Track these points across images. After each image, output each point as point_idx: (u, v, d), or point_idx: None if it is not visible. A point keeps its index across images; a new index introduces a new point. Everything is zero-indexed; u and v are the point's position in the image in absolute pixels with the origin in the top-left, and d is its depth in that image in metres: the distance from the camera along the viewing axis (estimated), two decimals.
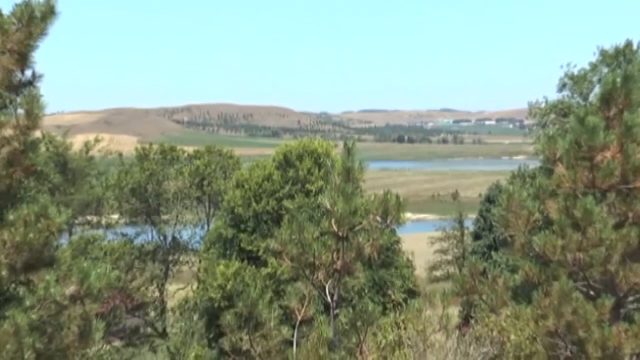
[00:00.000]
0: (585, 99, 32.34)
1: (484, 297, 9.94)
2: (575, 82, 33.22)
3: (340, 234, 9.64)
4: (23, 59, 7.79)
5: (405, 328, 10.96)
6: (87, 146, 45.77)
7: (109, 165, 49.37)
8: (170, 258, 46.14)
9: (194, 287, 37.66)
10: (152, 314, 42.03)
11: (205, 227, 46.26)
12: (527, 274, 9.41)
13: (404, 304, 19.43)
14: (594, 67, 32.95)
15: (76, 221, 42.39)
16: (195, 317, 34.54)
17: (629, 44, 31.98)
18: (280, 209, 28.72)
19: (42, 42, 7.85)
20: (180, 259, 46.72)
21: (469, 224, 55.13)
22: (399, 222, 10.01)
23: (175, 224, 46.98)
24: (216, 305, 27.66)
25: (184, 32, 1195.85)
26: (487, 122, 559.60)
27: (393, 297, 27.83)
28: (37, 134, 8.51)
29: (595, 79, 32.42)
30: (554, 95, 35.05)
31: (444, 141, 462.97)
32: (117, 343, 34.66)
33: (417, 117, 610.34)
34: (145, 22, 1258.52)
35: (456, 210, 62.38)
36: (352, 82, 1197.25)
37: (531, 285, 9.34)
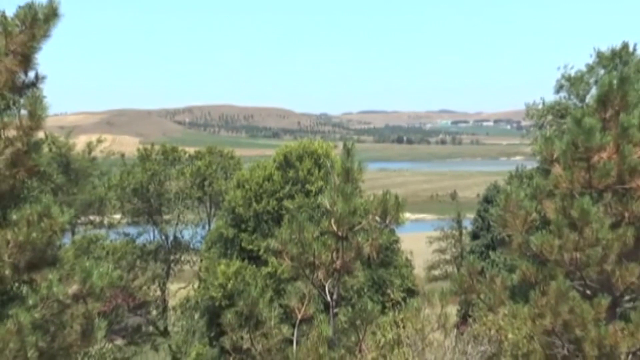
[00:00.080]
0: (582, 100, 32.40)
1: (482, 296, 10.00)
2: (572, 83, 33.29)
3: (339, 233, 9.71)
4: (26, 60, 7.86)
5: (404, 327, 11.02)
6: (89, 147, 46.01)
7: (111, 165, 49.52)
8: (172, 257, 46.28)
9: (195, 286, 37.73)
10: (154, 312, 42.12)
11: (207, 226, 46.36)
12: (525, 273, 9.48)
13: (402, 303, 19.55)
14: (590, 68, 33.04)
15: (79, 221, 42.60)
16: (197, 316, 34.66)
17: (625, 45, 32.08)
18: (281, 209, 28.76)
19: (45, 44, 7.94)
20: (182, 258, 46.85)
21: (467, 224, 55.16)
22: (398, 222, 10.09)
23: (177, 224, 47.14)
24: (217, 304, 27.71)
25: (186, 34, 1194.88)
26: (485, 123, 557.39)
27: (392, 296, 27.94)
28: (40, 134, 8.60)
29: (591, 80, 32.51)
30: (551, 97, 35.17)
31: (443, 142, 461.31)
32: (119, 341, 34.74)
33: (416, 118, 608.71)
34: (146, 24, 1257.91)
35: (454, 210, 62.37)
36: (352, 83, 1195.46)
37: (528, 284, 9.40)
